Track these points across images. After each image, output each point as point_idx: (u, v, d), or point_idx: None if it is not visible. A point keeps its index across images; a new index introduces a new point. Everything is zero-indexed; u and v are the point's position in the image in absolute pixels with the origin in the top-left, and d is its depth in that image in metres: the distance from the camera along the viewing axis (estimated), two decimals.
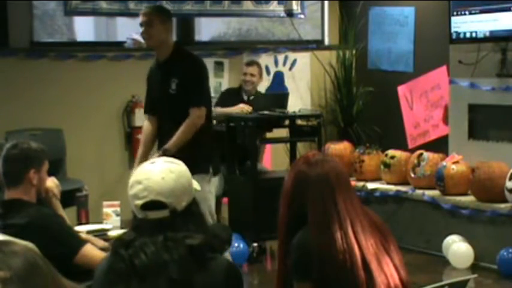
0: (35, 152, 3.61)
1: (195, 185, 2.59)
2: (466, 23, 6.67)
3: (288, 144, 7.27)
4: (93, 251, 3.55)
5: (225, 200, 7.09)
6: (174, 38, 7.78)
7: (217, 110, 7.08)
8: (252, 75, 7.29)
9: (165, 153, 4.98)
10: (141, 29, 5.36)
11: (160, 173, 2.48)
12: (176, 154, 5.04)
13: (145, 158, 5.39)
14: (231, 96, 7.22)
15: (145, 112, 5.63)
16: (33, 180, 3.56)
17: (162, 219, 2.45)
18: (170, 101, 5.25)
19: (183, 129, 5.15)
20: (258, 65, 7.42)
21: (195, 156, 5.05)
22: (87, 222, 4.79)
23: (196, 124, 5.19)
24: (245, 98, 7.25)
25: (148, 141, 5.46)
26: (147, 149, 5.46)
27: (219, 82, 7.87)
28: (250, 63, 7.42)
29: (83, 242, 3.58)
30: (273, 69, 8.13)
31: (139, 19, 5.39)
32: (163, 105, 5.33)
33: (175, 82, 5.21)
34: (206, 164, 5.23)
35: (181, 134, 5.15)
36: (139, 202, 2.46)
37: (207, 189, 5.21)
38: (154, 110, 5.47)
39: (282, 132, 7.22)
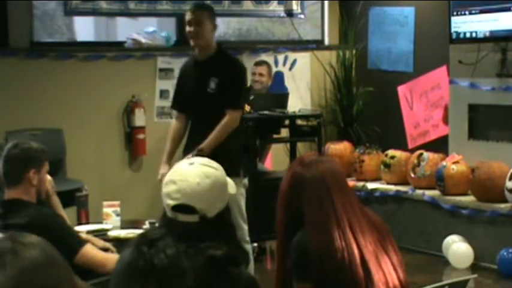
0: (36, 153, 3.61)
1: (231, 188, 2.55)
2: (466, 23, 6.67)
3: (288, 144, 7.27)
4: (93, 251, 3.55)
5: None
6: (174, 37, 7.84)
7: None
8: (261, 74, 7.29)
9: (200, 153, 4.98)
10: (188, 28, 5.27)
11: (197, 177, 2.44)
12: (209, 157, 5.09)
13: (172, 155, 5.38)
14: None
15: (172, 107, 5.60)
16: (32, 180, 3.56)
17: (191, 223, 2.42)
18: (207, 100, 5.20)
19: (219, 130, 5.13)
20: (268, 64, 7.42)
21: (228, 159, 5.09)
22: (87, 222, 4.79)
23: (232, 126, 5.18)
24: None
25: (176, 139, 5.42)
26: (175, 147, 5.42)
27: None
28: (259, 63, 7.41)
29: (83, 242, 3.58)
30: (273, 69, 8.12)
31: (187, 16, 5.31)
32: (199, 103, 5.27)
33: (215, 81, 5.17)
34: (238, 166, 5.21)
35: (217, 135, 5.12)
36: (171, 202, 2.43)
37: (239, 192, 5.18)
38: (184, 108, 5.42)
39: (282, 132, 7.22)
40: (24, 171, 3.55)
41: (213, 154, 5.02)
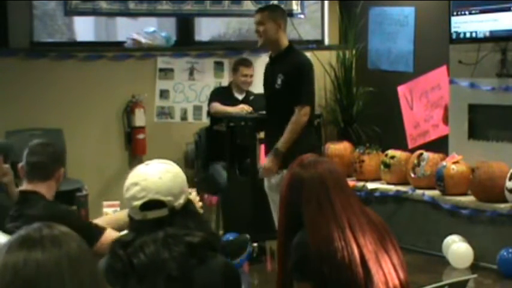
0: (62, 152, 3.82)
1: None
2: (466, 23, 6.67)
3: None
4: (113, 234, 3.56)
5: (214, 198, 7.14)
6: (174, 37, 7.84)
7: (218, 108, 7.05)
8: (251, 76, 7.31)
9: (277, 153, 5.31)
10: (255, 28, 5.60)
11: (157, 173, 2.50)
12: (272, 144, 5.42)
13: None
14: (223, 95, 7.21)
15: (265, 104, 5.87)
16: (60, 178, 3.70)
17: (161, 218, 2.45)
18: (275, 96, 5.47)
19: (289, 128, 5.34)
20: (252, 64, 7.45)
21: (290, 152, 5.19)
22: None
23: (300, 122, 5.35)
24: (239, 97, 7.23)
25: None
26: None
27: (219, 82, 7.86)
28: (248, 64, 7.37)
29: (102, 229, 3.62)
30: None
31: (254, 18, 5.65)
32: (270, 99, 5.58)
33: (281, 78, 5.42)
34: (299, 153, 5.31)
35: (288, 133, 5.35)
36: (138, 203, 2.46)
37: None
38: None
39: None
40: (56, 168, 3.68)
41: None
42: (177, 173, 2.54)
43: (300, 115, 5.35)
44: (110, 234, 3.59)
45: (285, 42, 5.52)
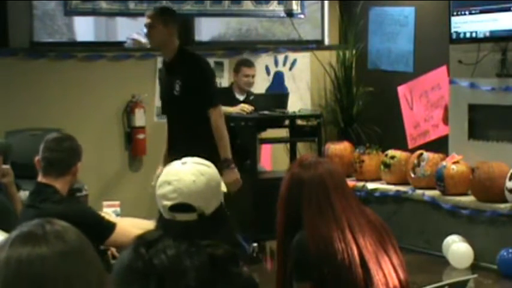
0: (79, 146, 3.70)
1: (223, 187, 2.56)
2: (466, 23, 6.67)
3: (288, 144, 7.27)
4: (127, 228, 3.56)
5: None
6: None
7: None
8: (253, 76, 7.30)
9: (230, 162, 5.16)
10: (145, 30, 5.41)
11: (192, 175, 2.43)
12: (177, 154, 5.08)
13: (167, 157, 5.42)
14: (224, 96, 7.20)
15: (162, 113, 5.67)
16: (76, 172, 3.65)
17: (190, 222, 2.41)
18: (174, 103, 5.28)
19: (217, 136, 5.21)
20: (254, 64, 7.44)
21: (196, 154, 5.05)
22: None
23: (220, 123, 5.23)
24: (240, 98, 7.23)
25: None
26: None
27: (219, 82, 7.86)
28: (250, 64, 7.37)
29: (114, 223, 3.63)
30: (273, 69, 8.12)
31: (144, 20, 5.43)
32: (170, 106, 5.38)
33: (178, 84, 5.23)
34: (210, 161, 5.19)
35: (220, 140, 5.22)
36: (168, 203, 2.42)
37: None
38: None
39: (282, 132, 7.22)
40: (73, 163, 3.63)
41: (181, 151, 5.06)
42: (212, 177, 2.48)
43: (217, 118, 5.20)
44: (122, 229, 3.59)
45: (175, 46, 5.29)
